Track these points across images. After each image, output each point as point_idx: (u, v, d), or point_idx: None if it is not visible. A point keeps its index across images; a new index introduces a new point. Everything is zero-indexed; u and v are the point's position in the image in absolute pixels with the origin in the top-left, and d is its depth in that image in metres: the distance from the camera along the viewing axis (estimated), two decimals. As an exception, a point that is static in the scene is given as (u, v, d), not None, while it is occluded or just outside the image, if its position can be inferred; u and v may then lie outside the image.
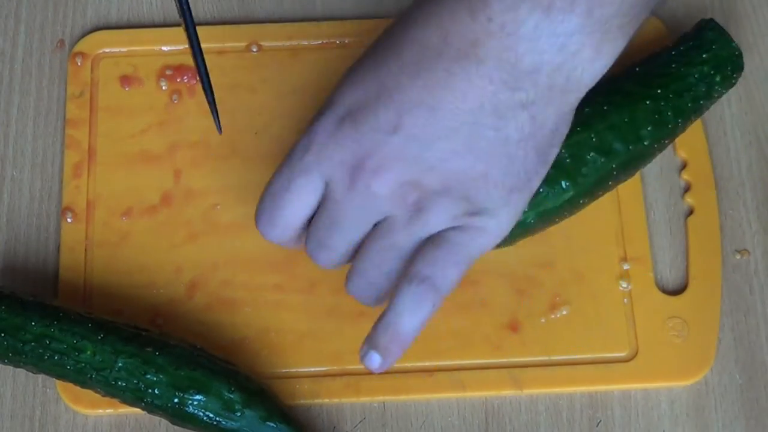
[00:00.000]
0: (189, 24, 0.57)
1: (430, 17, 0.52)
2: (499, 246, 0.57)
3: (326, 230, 0.57)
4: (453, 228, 0.55)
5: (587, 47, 0.50)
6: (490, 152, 0.52)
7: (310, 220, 0.58)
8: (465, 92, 0.51)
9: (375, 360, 0.56)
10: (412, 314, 0.55)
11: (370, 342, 0.57)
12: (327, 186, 0.55)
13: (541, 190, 0.59)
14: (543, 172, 0.55)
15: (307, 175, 0.56)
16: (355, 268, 0.58)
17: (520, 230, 0.61)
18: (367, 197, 0.54)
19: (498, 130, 0.52)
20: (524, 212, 0.58)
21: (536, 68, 0.51)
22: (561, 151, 0.57)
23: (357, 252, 0.57)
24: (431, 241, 0.55)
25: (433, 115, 0.51)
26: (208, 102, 0.59)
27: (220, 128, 0.62)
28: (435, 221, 0.54)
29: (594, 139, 0.62)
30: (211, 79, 0.69)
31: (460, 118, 0.51)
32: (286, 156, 0.57)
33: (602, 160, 0.62)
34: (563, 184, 0.61)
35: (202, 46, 0.70)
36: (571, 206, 0.62)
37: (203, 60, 0.58)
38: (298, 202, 0.57)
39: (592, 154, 0.61)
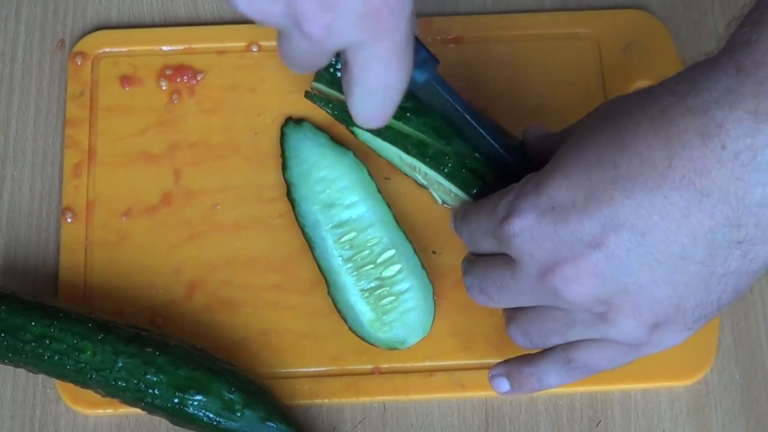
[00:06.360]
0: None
1: (658, 132, 0.47)
2: None
3: (493, 284, 0.55)
4: None
5: None
6: (689, 284, 0.49)
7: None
8: (680, 224, 0.47)
9: (503, 386, 0.58)
10: (558, 380, 0.56)
11: (507, 371, 0.57)
12: (512, 258, 0.53)
13: None
14: (732, 300, 0.51)
15: (493, 240, 0.54)
16: (518, 321, 0.56)
17: None
18: (551, 295, 0.51)
19: (705, 265, 0.48)
20: None
21: (765, 202, 0.46)
22: None
23: (523, 307, 0.55)
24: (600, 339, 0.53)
25: (641, 241, 0.48)
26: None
27: None
28: (615, 334, 0.51)
29: None
30: (211, 79, 0.70)
31: (669, 250, 0.48)
32: (479, 206, 0.56)
33: None
34: None
35: (202, 46, 0.71)
36: None
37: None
38: (479, 246, 0.56)
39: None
